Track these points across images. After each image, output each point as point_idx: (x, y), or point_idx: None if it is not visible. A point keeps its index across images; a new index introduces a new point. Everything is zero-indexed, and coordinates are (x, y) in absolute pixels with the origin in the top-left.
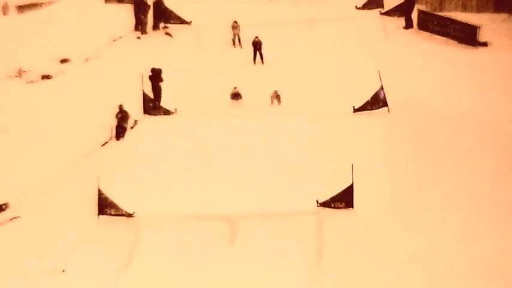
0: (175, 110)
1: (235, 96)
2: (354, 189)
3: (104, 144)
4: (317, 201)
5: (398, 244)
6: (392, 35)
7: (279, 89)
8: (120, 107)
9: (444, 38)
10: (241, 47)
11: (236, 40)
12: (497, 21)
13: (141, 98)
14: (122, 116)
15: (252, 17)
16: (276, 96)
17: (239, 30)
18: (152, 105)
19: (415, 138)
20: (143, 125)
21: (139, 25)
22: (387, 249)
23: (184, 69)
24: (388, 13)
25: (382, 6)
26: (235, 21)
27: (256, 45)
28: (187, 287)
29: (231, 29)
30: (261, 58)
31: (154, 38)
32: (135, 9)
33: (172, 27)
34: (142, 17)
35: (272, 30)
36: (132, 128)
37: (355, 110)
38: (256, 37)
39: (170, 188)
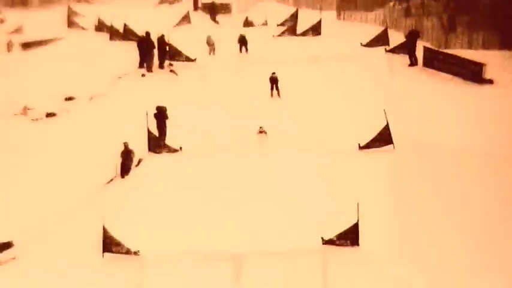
0: (180, 147)
1: (261, 132)
2: (360, 227)
3: (108, 182)
4: (322, 238)
5: (404, 283)
6: (398, 73)
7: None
8: (125, 144)
9: (449, 75)
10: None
11: (211, 52)
12: (502, 59)
13: (145, 135)
14: (127, 154)
15: (255, 55)
16: (275, 83)
17: (214, 46)
18: (157, 143)
19: (420, 176)
20: (148, 163)
21: (144, 62)
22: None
23: (190, 107)
24: (393, 50)
25: (387, 43)
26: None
27: (242, 42)
28: None
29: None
30: (246, 50)
31: (159, 76)
32: (139, 46)
33: (177, 65)
34: (152, 54)
35: (276, 67)
36: (136, 166)
37: (361, 148)
38: (241, 34)
39: (175, 226)
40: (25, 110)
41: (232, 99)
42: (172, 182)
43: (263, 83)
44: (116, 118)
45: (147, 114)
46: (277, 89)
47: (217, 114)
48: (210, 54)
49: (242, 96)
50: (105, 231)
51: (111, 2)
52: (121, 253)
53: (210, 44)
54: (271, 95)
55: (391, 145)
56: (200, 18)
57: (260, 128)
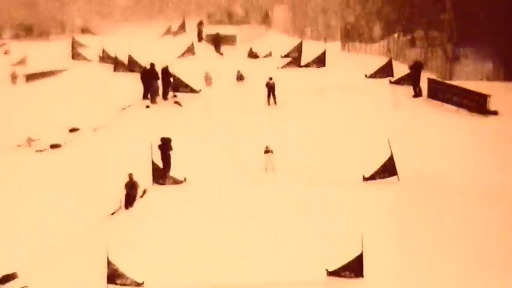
0: (185, 179)
1: (267, 152)
2: (364, 258)
3: (113, 213)
4: (327, 270)
5: None
6: (402, 104)
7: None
8: (130, 176)
9: (454, 107)
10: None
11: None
12: (507, 90)
13: (150, 167)
14: (131, 185)
15: (259, 86)
16: (272, 89)
17: (211, 80)
18: (161, 175)
19: (424, 208)
20: (152, 194)
21: (148, 94)
22: None
23: (194, 138)
24: (397, 82)
25: (392, 75)
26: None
27: (240, 78)
28: None
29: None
30: (242, 79)
31: (163, 107)
32: (142, 78)
33: (181, 96)
34: (156, 85)
35: (281, 98)
36: (141, 197)
37: (365, 179)
38: (238, 71)
39: (179, 257)
40: (29, 141)
41: (236, 130)
42: (177, 213)
43: (269, 115)
44: (120, 149)
45: (151, 146)
46: (273, 96)
47: (221, 144)
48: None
49: (246, 127)
50: (109, 263)
51: (115, 33)
52: (125, 285)
53: (207, 78)
54: (268, 102)
55: (396, 176)
56: (204, 50)
57: (266, 147)
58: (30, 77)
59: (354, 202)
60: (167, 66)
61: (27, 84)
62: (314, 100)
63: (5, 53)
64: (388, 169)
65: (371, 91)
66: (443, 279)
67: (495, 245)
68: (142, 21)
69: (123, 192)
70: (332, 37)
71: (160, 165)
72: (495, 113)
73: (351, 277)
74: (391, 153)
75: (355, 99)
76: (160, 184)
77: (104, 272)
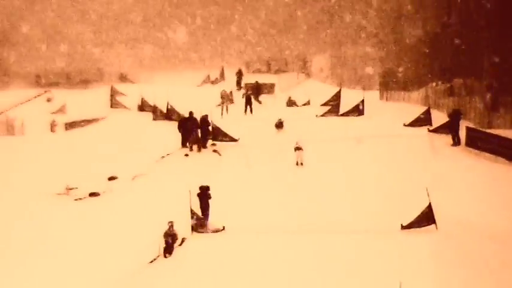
0: (224, 227)
1: (298, 149)
2: None
3: (151, 262)
4: None
5: None
6: (441, 152)
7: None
8: (170, 224)
9: (493, 156)
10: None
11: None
12: None
13: (189, 215)
14: (171, 234)
15: (298, 134)
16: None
17: (227, 99)
18: (200, 223)
19: (463, 257)
20: (191, 242)
21: (187, 142)
22: None
23: (233, 187)
24: (436, 130)
25: (430, 123)
26: (224, 90)
27: (279, 126)
28: None
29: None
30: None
31: (202, 155)
32: (181, 126)
33: (220, 145)
34: (196, 134)
35: (320, 146)
36: (180, 245)
37: (403, 227)
38: (280, 119)
39: None
40: (68, 189)
41: (275, 179)
42: (215, 262)
43: (306, 163)
44: (159, 198)
45: (190, 194)
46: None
47: (260, 194)
48: (222, 109)
49: (284, 176)
50: None
51: (154, 81)
52: None
53: (223, 97)
54: (245, 112)
55: (434, 225)
56: (243, 98)
57: (297, 143)
58: (69, 125)
59: (392, 251)
60: (206, 115)
61: (66, 133)
62: (352, 148)
63: (48, 100)
64: (426, 217)
65: (409, 140)
66: None
67: None
68: (181, 70)
69: (162, 240)
70: (370, 86)
71: (199, 213)
72: None
73: None
74: (430, 202)
75: (394, 147)
76: (199, 232)
77: None
